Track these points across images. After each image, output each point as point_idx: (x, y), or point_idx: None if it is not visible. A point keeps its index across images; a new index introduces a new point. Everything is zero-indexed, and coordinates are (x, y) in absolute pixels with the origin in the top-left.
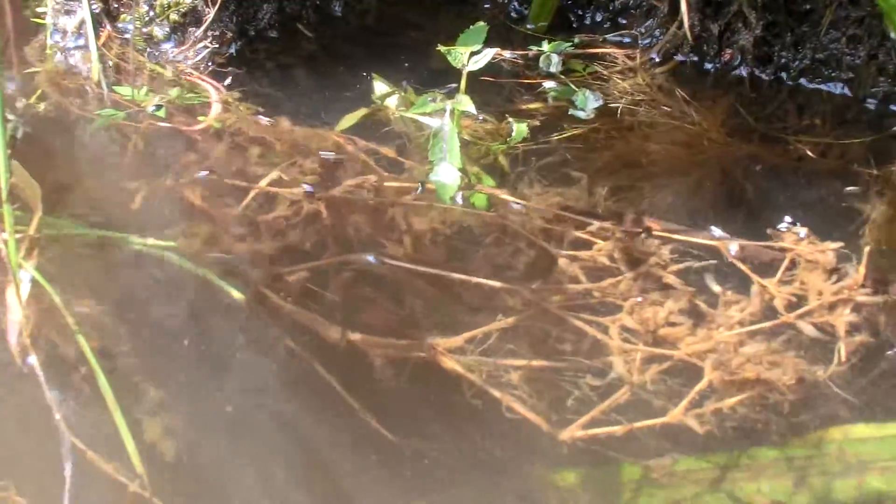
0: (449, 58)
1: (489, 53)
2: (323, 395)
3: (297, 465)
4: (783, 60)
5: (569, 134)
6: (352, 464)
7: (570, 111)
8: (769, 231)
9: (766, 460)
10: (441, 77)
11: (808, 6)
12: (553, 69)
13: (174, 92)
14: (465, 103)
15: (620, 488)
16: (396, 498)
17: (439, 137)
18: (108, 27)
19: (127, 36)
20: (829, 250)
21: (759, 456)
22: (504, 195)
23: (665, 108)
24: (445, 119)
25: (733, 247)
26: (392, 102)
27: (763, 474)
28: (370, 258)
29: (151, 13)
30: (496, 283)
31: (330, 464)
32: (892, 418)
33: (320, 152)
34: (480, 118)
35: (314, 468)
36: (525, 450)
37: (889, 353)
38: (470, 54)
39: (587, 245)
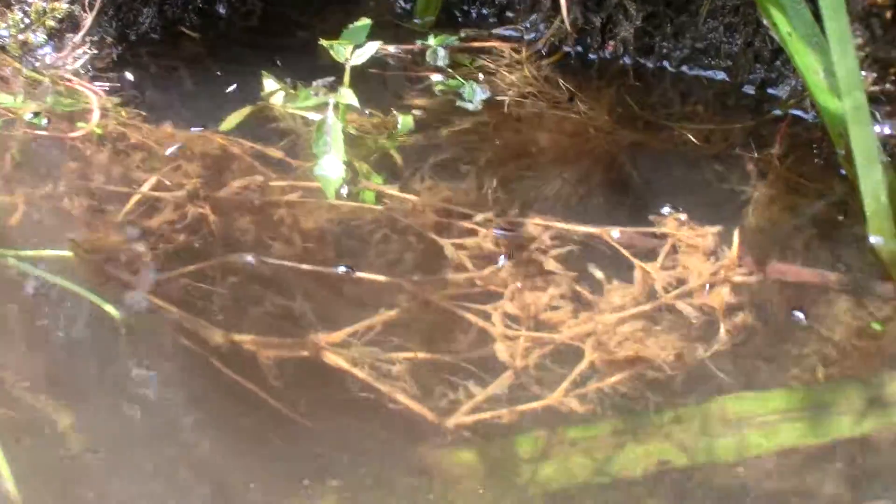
0: (332, 52)
1: (372, 47)
2: (210, 398)
3: (188, 466)
4: (664, 50)
5: (457, 127)
6: (249, 458)
7: (458, 104)
8: (652, 217)
9: (652, 426)
10: (329, 74)
11: None
12: (440, 63)
13: (49, 99)
14: (348, 96)
15: (513, 461)
16: (302, 480)
17: (322, 131)
18: None
19: (1, 43)
20: (709, 234)
21: (644, 422)
22: (392, 190)
23: (552, 99)
24: (328, 113)
25: (615, 233)
26: (279, 100)
27: (649, 438)
28: (249, 259)
29: (27, 20)
30: (380, 278)
31: (227, 461)
32: (770, 389)
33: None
34: (367, 112)
35: (208, 467)
36: (412, 437)
37: (764, 328)
38: (353, 48)
39: (472, 236)
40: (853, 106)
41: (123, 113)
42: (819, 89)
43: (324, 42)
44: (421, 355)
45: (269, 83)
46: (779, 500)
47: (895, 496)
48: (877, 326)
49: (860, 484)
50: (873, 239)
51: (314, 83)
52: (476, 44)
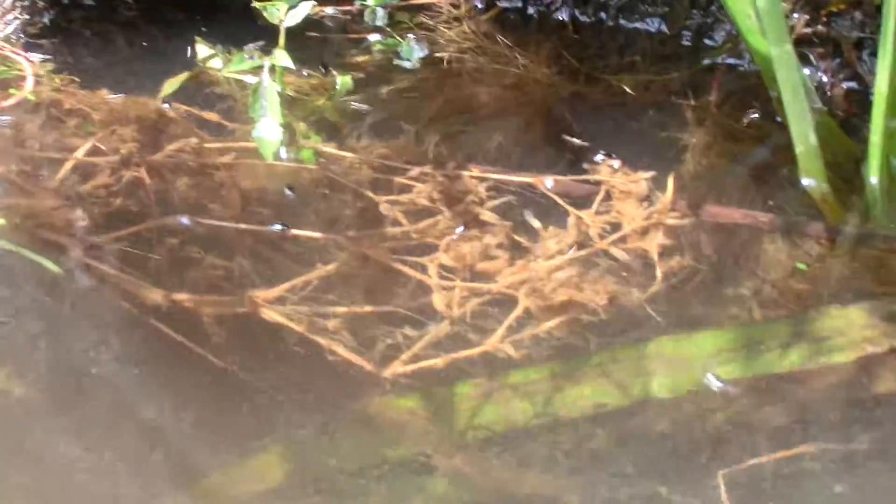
0: (265, 14)
1: (306, 7)
2: (150, 357)
3: (129, 423)
4: (601, 0)
5: (397, 85)
6: (190, 414)
7: (396, 62)
8: (586, 165)
9: (588, 368)
10: (267, 37)
11: None
12: (379, 22)
13: None
14: (283, 58)
15: (453, 407)
16: (247, 435)
17: (258, 94)
18: None
19: None
20: (642, 180)
21: (580, 365)
22: (331, 149)
23: (491, 54)
24: (264, 75)
25: (549, 181)
26: (216, 64)
27: (585, 380)
28: (185, 220)
29: None
30: (317, 234)
31: (168, 418)
32: (703, 328)
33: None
34: (305, 74)
35: (148, 425)
36: (352, 387)
37: (697, 270)
38: (287, 9)
39: (409, 190)
40: (778, 47)
41: (57, 80)
42: (751, 33)
43: (257, 3)
44: (358, 308)
45: (202, 49)
46: (713, 438)
47: (825, 430)
48: (801, 266)
49: (792, 418)
50: (805, 181)
51: (245, 47)
52: (415, 1)
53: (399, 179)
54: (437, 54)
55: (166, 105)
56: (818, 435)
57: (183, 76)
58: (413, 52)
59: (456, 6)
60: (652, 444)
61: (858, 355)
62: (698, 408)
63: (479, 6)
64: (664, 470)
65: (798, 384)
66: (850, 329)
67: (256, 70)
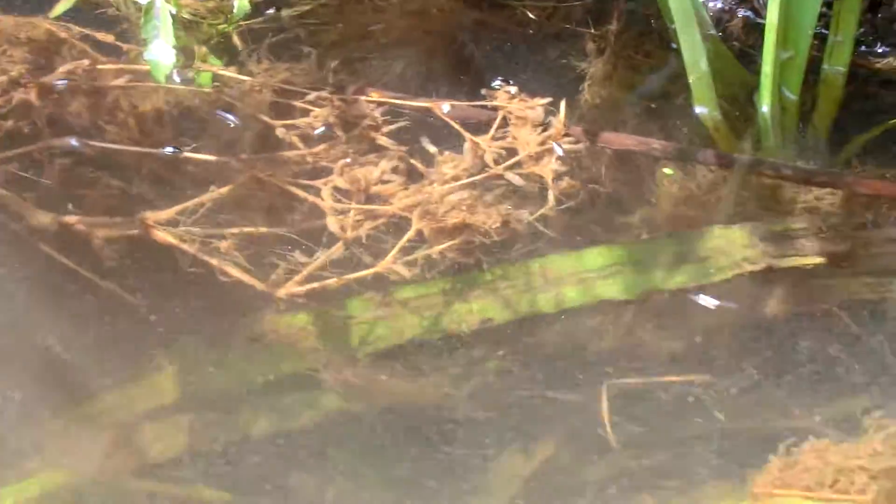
0: None
1: None
2: (40, 280)
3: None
4: None
5: (299, 10)
6: (83, 339)
7: None
8: (485, 92)
9: (476, 285)
10: None
11: None
12: None
13: None
14: None
15: (345, 323)
16: (139, 356)
17: (151, 15)
18: None
19: None
20: (538, 106)
21: (470, 282)
22: (230, 73)
23: None
24: None
25: (446, 107)
26: None
27: (473, 297)
28: (74, 142)
29: None
30: (210, 157)
31: (62, 339)
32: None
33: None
34: None
35: (41, 351)
36: (244, 307)
37: (588, 193)
38: None
39: (307, 115)
40: None
41: None
42: None
43: None
44: (251, 230)
45: None
46: (588, 349)
47: (695, 344)
48: (668, 172)
49: (671, 332)
50: (698, 109)
51: None
52: None
53: (297, 104)
54: None
55: (57, 24)
56: (694, 348)
57: None
58: None
59: None
60: (536, 355)
61: (736, 273)
62: (577, 321)
63: None
64: (547, 377)
65: (677, 301)
66: (731, 248)
67: None
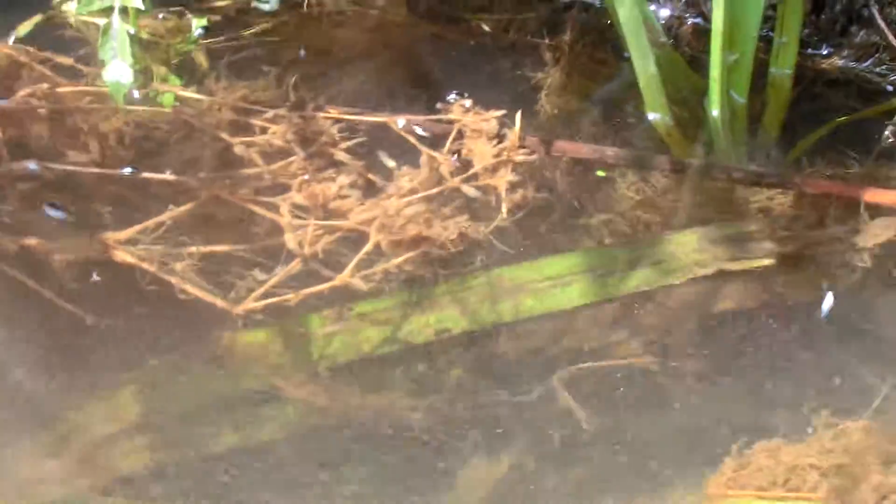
0: None
1: None
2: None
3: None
4: None
5: (257, 28)
6: (44, 360)
7: (255, 5)
8: (440, 105)
9: (434, 297)
10: None
11: None
12: None
13: None
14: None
15: (302, 338)
16: (100, 376)
17: (108, 36)
18: None
19: None
20: (493, 118)
21: (428, 294)
22: (189, 92)
23: None
24: (114, 16)
25: (402, 121)
26: (71, 7)
27: (431, 309)
28: (33, 166)
29: None
30: (169, 177)
31: (24, 360)
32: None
33: None
34: (160, 17)
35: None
36: (204, 325)
37: (543, 203)
38: None
39: (265, 132)
40: None
41: None
42: None
43: None
44: (210, 248)
45: None
46: (547, 354)
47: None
48: (601, 173)
49: (625, 336)
50: (650, 115)
51: None
52: None
53: (255, 121)
54: None
55: (16, 49)
56: (648, 350)
57: (36, 18)
58: None
59: None
60: (491, 362)
61: (688, 277)
62: (535, 329)
63: None
64: (502, 383)
65: (632, 305)
66: (682, 253)
67: (109, 12)
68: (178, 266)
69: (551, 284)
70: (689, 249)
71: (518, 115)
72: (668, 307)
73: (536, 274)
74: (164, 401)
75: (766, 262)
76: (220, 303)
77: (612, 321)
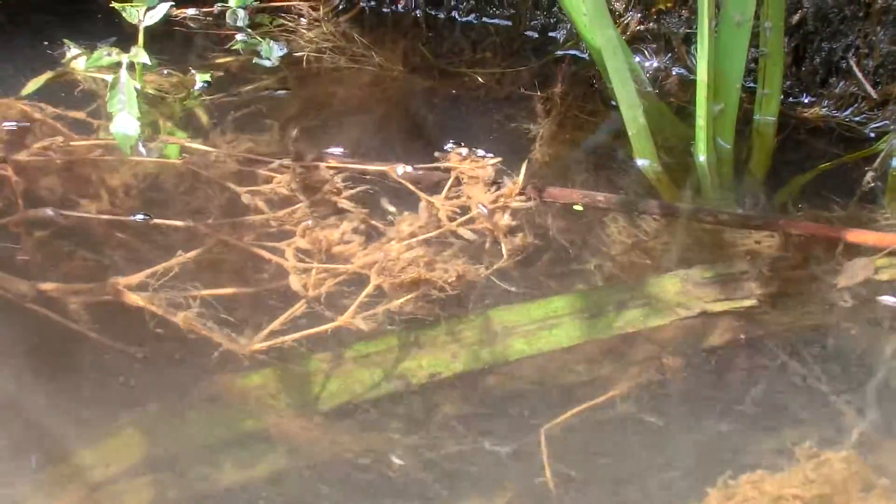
0: (124, 14)
1: (164, 8)
2: (18, 344)
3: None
4: (452, 1)
5: (258, 83)
6: (52, 398)
7: (256, 61)
8: (437, 154)
9: (427, 340)
10: (131, 38)
11: None
12: (240, 23)
13: None
14: (140, 55)
15: (302, 379)
16: (105, 417)
17: (116, 90)
18: None
19: None
20: (488, 166)
21: (421, 337)
22: (195, 144)
23: (349, 53)
24: (122, 71)
25: (400, 170)
26: (80, 64)
27: (423, 352)
28: (50, 213)
29: None
30: (179, 223)
31: (28, 402)
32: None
33: (4, 123)
34: (165, 72)
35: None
36: (210, 365)
37: (537, 247)
38: (145, 10)
39: (270, 181)
40: (605, 39)
41: None
42: (585, 28)
43: (116, 4)
44: (217, 291)
45: (72, 48)
46: (533, 396)
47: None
48: (578, 208)
49: (610, 376)
50: (639, 162)
51: (99, 43)
52: (275, 3)
53: (260, 171)
54: (297, 53)
55: (30, 105)
56: (633, 388)
57: (47, 75)
58: (273, 51)
59: (315, 8)
60: (479, 405)
61: (672, 319)
62: (524, 371)
63: (339, 7)
64: (489, 427)
65: (618, 346)
66: (666, 296)
67: (117, 67)
68: (187, 308)
69: (538, 327)
70: (674, 291)
71: (524, 165)
72: (653, 347)
73: (524, 316)
74: (164, 442)
75: (748, 302)
76: (226, 344)
77: (598, 360)
